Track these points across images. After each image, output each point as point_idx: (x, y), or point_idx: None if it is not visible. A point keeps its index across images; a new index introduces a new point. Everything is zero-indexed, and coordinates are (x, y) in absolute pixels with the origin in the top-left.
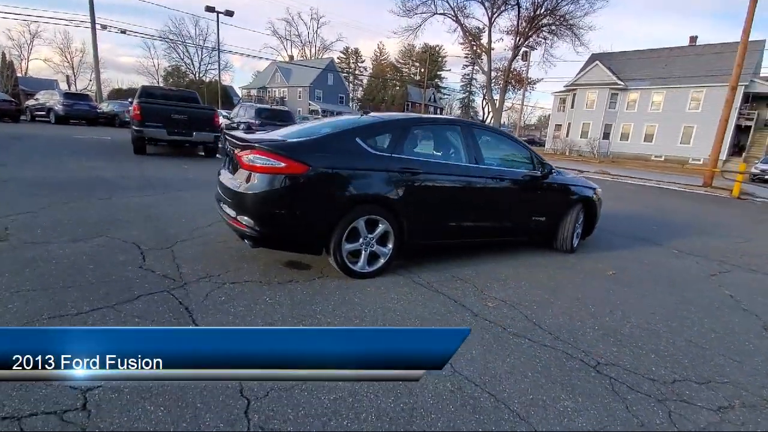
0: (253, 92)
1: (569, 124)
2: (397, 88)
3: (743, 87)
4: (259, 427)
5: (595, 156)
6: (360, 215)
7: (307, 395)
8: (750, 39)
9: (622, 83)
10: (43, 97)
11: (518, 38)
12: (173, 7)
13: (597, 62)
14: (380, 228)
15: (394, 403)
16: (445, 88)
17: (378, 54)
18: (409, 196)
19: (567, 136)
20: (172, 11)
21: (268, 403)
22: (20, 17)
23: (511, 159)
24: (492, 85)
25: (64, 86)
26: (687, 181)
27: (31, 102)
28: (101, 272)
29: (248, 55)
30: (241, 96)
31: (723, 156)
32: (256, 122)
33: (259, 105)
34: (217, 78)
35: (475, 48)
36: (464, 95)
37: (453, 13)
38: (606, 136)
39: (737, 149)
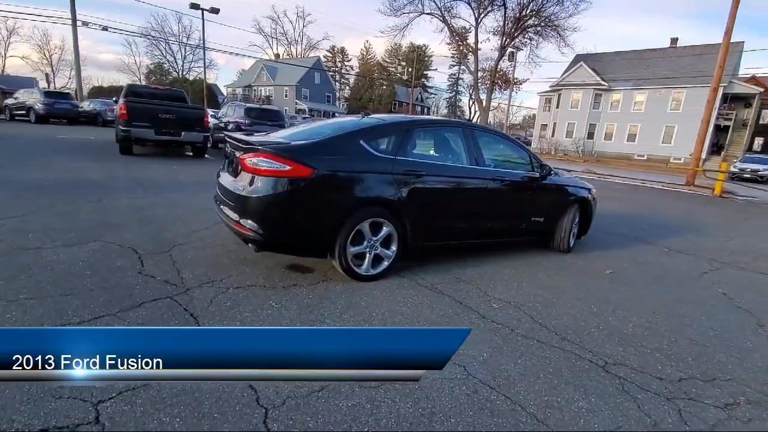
0: (238, 91)
1: (555, 124)
2: (384, 87)
3: (722, 88)
4: None
5: (580, 155)
6: (364, 218)
7: (324, 402)
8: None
9: (605, 84)
10: (22, 96)
11: (504, 39)
12: (156, 3)
13: (581, 63)
14: (384, 230)
15: (412, 407)
16: (431, 87)
17: (364, 53)
18: (413, 198)
19: (553, 135)
20: (155, 7)
21: (287, 412)
22: None
23: (510, 160)
24: (479, 85)
25: (43, 84)
26: (670, 180)
27: (10, 101)
28: (100, 278)
29: (233, 53)
30: (225, 94)
31: (703, 155)
32: (246, 122)
33: (248, 104)
34: (202, 76)
35: (461, 48)
36: (451, 95)
37: (440, 13)
38: (590, 135)
39: (716, 148)
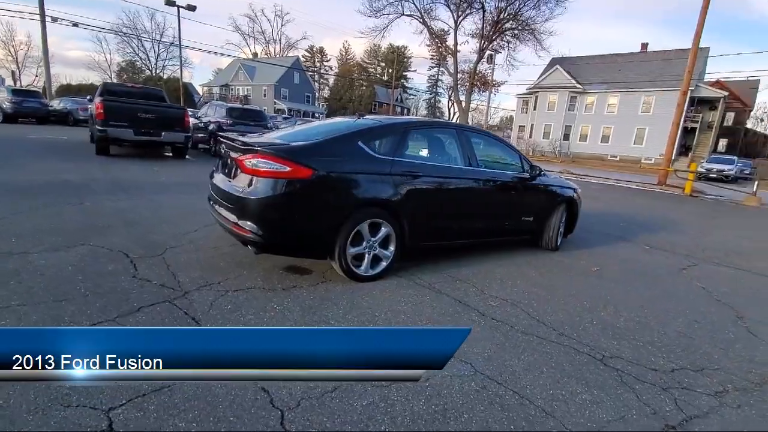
0: (215, 90)
1: (532, 125)
2: (364, 87)
3: (690, 91)
4: None
5: (557, 156)
6: (364, 219)
7: (338, 402)
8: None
9: (580, 87)
10: None
11: (483, 41)
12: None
13: (557, 66)
14: (383, 231)
15: (425, 405)
16: (411, 88)
17: (344, 53)
18: (410, 198)
19: (530, 137)
20: (127, 3)
21: (302, 413)
22: None
23: (501, 161)
24: (458, 86)
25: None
26: (643, 180)
27: None
28: (93, 283)
29: (210, 52)
30: (201, 94)
31: (672, 156)
32: (228, 122)
33: (230, 104)
34: (176, 74)
35: (441, 50)
36: (430, 96)
37: (420, 15)
38: (566, 137)
39: (684, 150)
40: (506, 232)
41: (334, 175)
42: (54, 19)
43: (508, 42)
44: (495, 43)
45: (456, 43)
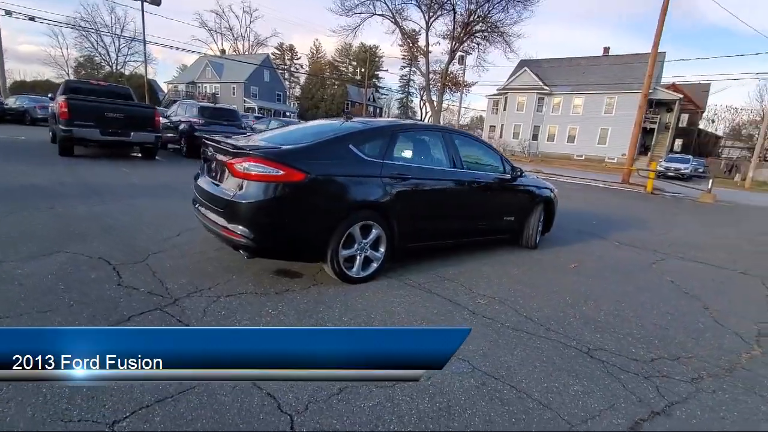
0: (181, 87)
1: (502, 125)
2: (336, 86)
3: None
4: None
5: (526, 156)
6: (356, 221)
7: (345, 404)
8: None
9: (547, 88)
10: None
11: (454, 43)
12: None
13: (525, 68)
14: (374, 233)
15: (430, 403)
16: (383, 88)
17: (314, 51)
18: (400, 200)
19: (501, 137)
20: None
21: (311, 416)
22: None
23: (485, 163)
24: (430, 86)
25: None
26: (608, 179)
27: None
28: (77, 293)
29: (175, 48)
30: (166, 91)
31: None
32: (200, 121)
33: (202, 103)
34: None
35: (413, 50)
36: (403, 96)
37: (391, 15)
38: (535, 137)
39: (644, 149)
40: (489, 232)
41: (326, 179)
42: (8, 12)
43: (478, 44)
44: (465, 44)
45: (428, 44)
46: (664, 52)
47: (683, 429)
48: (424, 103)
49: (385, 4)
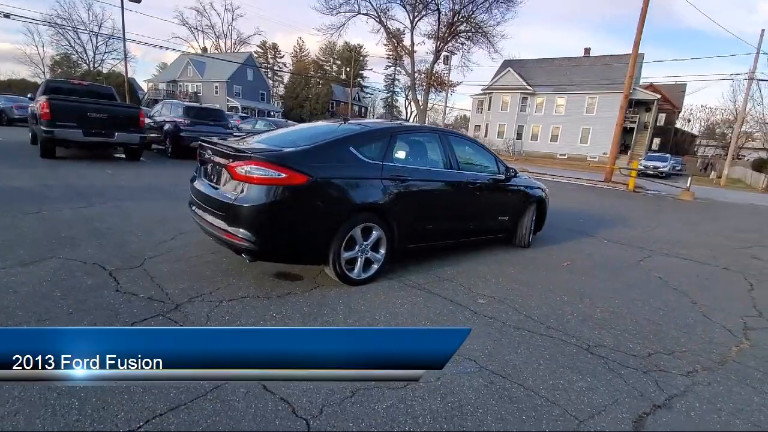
0: (161, 86)
1: (487, 125)
2: (320, 85)
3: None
4: None
5: (511, 155)
6: (357, 223)
7: (359, 407)
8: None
9: (531, 88)
10: None
11: (438, 42)
12: None
13: (509, 68)
14: (374, 235)
15: (442, 402)
16: (367, 87)
17: (298, 50)
18: (399, 202)
19: (486, 136)
20: None
21: (327, 420)
22: None
23: (480, 164)
24: (416, 86)
25: None
26: (591, 177)
27: None
28: (74, 300)
29: (156, 46)
30: (146, 90)
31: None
32: (185, 122)
33: (187, 103)
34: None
35: (398, 50)
36: (388, 95)
37: (376, 14)
38: (519, 136)
39: (624, 148)
40: (485, 232)
41: (328, 181)
42: None
43: (462, 44)
44: (450, 44)
45: (413, 44)
46: (643, 54)
47: (685, 422)
48: (409, 103)
49: (370, 3)
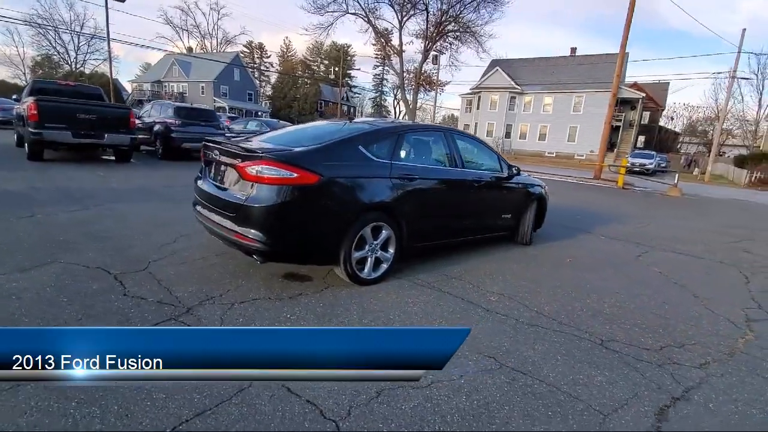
0: (146, 86)
1: (476, 124)
2: (308, 85)
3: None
4: None
5: (501, 154)
6: (367, 223)
7: (386, 407)
8: (615, 52)
9: (519, 87)
10: None
11: (427, 42)
12: None
13: (497, 68)
14: (384, 234)
15: (467, 400)
16: (355, 87)
17: (285, 50)
18: (407, 201)
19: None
20: None
21: (356, 421)
22: None
23: (484, 162)
24: (405, 85)
25: None
26: (581, 175)
27: None
28: (81, 305)
29: (141, 45)
30: (131, 91)
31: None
32: (176, 122)
33: (177, 103)
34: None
35: (387, 49)
36: (376, 95)
37: (364, 14)
38: (508, 135)
39: (610, 146)
40: (490, 230)
41: (339, 181)
42: None
43: (451, 43)
44: (438, 44)
45: (401, 43)
46: (628, 53)
47: (705, 413)
48: (398, 102)
49: (358, 2)
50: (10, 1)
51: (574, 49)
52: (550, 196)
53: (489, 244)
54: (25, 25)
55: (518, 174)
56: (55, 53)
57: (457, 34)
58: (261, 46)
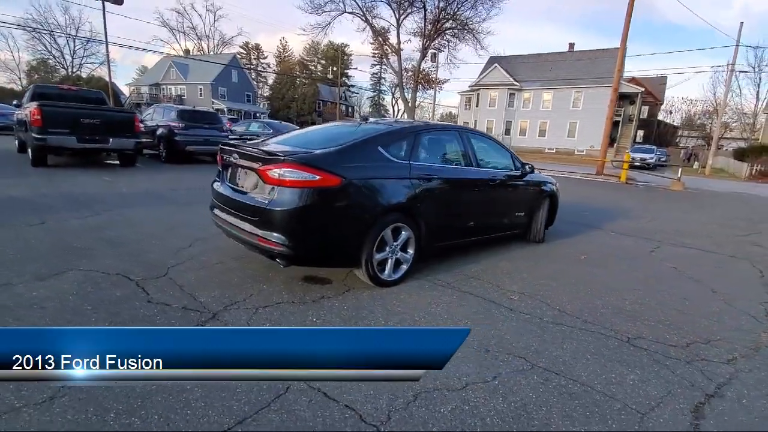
0: (144, 90)
1: (475, 121)
2: (306, 85)
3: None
4: None
5: None
6: (388, 224)
7: (425, 410)
8: (613, 47)
9: (517, 84)
10: None
11: (425, 40)
12: None
13: (496, 65)
14: (403, 235)
15: (504, 402)
16: (353, 86)
17: (281, 50)
18: (426, 201)
19: None
20: None
21: (397, 425)
22: None
23: (498, 160)
24: (403, 84)
25: None
26: (584, 171)
27: None
28: (107, 313)
29: (138, 48)
30: (128, 94)
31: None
32: (179, 125)
33: (180, 106)
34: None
35: (385, 48)
36: (374, 94)
37: (362, 13)
38: (507, 132)
39: (610, 140)
40: (505, 228)
41: (361, 182)
42: None
43: (449, 41)
44: (436, 41)
45: (399, 42)
46: (626, 48)
47: (739, 410)
48: (396, 101)
49: (355, 2)
50: (4, 5)
51: (572, 45)
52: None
53: (502, 242)
54: (20, 29)
55: (531, 172)
56: (51, 57)
57: (455, 31)
58: (258, 47)
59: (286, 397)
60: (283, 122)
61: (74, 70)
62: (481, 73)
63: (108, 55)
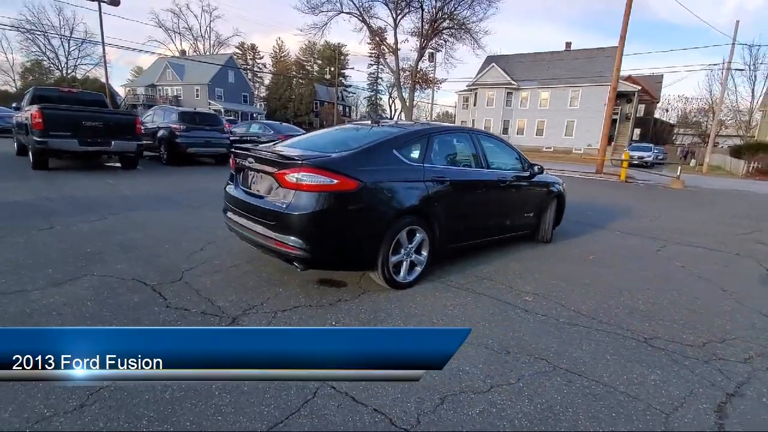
0: (140, 90)
1: (473, 120)
2: (303, 85)
3: (609, 86)
4: None
5: None
6: (403, 226)
7: (453, 413)
8: (610, 46)
9: (515, 83)
10: None
11: (422, 40)
12: None
13: (493, 64)
14: (418, 237)
15: (530, 404)
16: (350, 86)
17: (278, 51)
18: (440, 203)
19: None
20: None
21: (427, 428)
22: None
23: (508, 161)
24: (401, 84)
25: None
26: (583, 169)
27: None
28: (127, 318)
29: (134, 49)
30: (124, 95)
31: (597, 145)
32: (180, 127)
33: (181, 108)
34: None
35: (382, 48)
36: (371, 93)
37: (359, 13)
38: (505, 131)
39: (608, 139)
40: (514, 229)
41: (377, 186)
42: None
43: (446, 41)
44: (434, 41)
45: (396, 42)
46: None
47: (760, 408)
48: (393, 101)
49: (352, 2)
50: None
51: (569, 44)
52: None
53: (511, 243)
54: (13, 30)
55: (540, 172)
56: (45, 59)
57: (452, 31)
58: (254, 47)
59: (314, 401)
60: (283, 123)
61: (69, 71)
62: (479, 73)
63: (105, 57)
